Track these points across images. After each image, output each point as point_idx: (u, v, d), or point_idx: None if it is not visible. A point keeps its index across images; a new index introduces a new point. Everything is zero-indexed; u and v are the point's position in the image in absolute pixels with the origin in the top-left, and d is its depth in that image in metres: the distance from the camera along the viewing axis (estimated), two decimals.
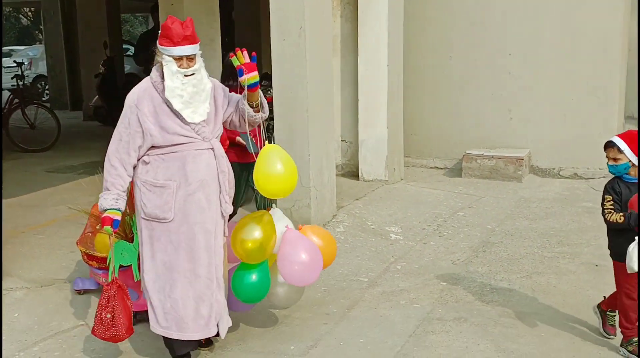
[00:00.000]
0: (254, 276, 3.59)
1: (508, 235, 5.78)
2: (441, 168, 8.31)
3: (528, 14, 7.79)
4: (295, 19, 5.27)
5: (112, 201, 3.36)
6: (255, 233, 3.49)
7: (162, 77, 3.36)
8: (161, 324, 3.48)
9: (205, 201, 3.42)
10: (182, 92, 3.32)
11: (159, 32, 3.37)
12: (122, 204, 3.39)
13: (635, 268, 3.37)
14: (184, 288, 3.43)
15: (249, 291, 3.61)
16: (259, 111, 3.54)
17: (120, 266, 3.90)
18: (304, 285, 3.82)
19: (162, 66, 3.36)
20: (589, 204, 6.67)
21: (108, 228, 3.37)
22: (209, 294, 3.47)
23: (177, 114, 3.36)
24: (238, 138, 4.67)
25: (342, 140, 7.72)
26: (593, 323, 4.00)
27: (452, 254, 5.34)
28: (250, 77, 3.41)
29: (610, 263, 4.96)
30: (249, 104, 3.50)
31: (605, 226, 3.68)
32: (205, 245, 3.44)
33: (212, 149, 3.45)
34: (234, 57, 3.44)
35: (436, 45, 8.21)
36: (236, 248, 3.54)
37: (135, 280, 3.90)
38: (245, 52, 3.45)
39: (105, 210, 3.37)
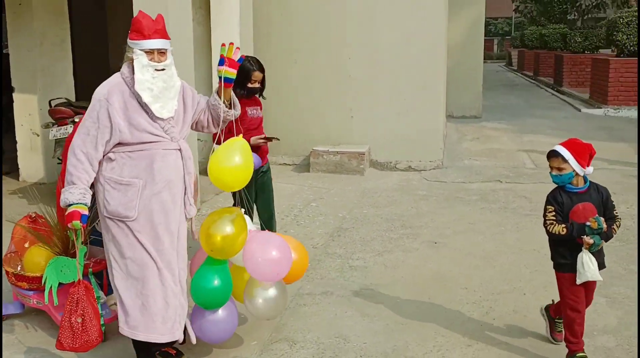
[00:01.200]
0: (215, 281, 3.42)
1: (358, 221, 6.40)
2: (290, 164, 8.84)
3: (366, 21, 8.55)
4: None
5: (79, 196, 3.26)
6: (227, 227, 3.35)
7: (133, 72, 3.32)
8: (129, 324, 3.36)
9: (170, 202, 3.38)
10: (151, 86, 3.30)
11: (130, 28, 3.33)
12: (88, 200, 3.30)
13: (589, 278, 3.33)
14: (154, 286, 3.34)
15: (209, 295, 3.43)
16: (231, 109, 3.57)
17: (59, 285, 3.68)
18: (273, 280, 3.58)
19: (132, 62, 3.33)
20: (424, 193, 7.51)
21: (77, 222, 3.24)
22: (174, 297, 3.39)
23: (146, 111, 3.33)
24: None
25: (197, 139, 7.97)
26: (438, 290, 4.67)
27: (312, 239, 5.84)
28: (228, 71, 3.45)
29: (451, 241, 5.75)
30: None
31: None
32: (169, 246, 3.38)
33: (180, 149, 3.42)
34: (224, 46, 3.45)
35: (281, 50, 8.72)
36: (208, 239, 3.37)
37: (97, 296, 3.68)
38: (238, 51, 3.48)
39: (71, 204, 3.25)
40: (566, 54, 21.03)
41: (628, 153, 9.75)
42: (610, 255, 5.29)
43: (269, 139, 4.53)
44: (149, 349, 3.48)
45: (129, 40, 3.34)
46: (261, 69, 4.50)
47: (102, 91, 3.34)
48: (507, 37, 52.57)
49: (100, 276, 3.95)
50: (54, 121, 6.38)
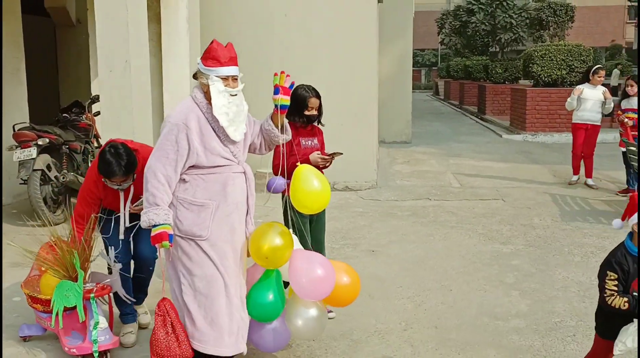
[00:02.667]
0: (270, 296, 3.61)
1: None
2: None
3: (308, 55, 9.25)
4: (120, 54, 6.03)
5: (164, 217, 3.37)
6: (275, 237, 3.52)
7: (207, 98, 3.49)
8: (198, 338, 3.48)
9: (238, 223, 3.54)
10: (227, 110, 3.44)
11: (202, 55, 3.52)
12: (171, 220, 3.41)
13: (629, 349, 3.02)
14: (222, 302, 3.49)
15: (261, 309, 3.62)
16: (282, 133, 3.74)
17: (65, 309, 3.79)
18: (316, 298, 3.72)
19: (206, 87, 3.48)
20: (360, 209, 8.21)
21: (166, 243, 3.35)
22: (237, 312, 3.55)
23: (218, 135, 3.48)
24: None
25: None
26: (377, 288, 5.33)
27: None
28: (284, 98, 3.61)
29: (387, 249, 6.42)
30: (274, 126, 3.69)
31: None
32: (234, 263, 3.55)
33: (244, 172, 3.59)
34: (276, 76, 3.61)
35: None
36: (259, 247, 3.52)
37: (81, 322, 3.82)
38: (288, 78, 3.65)
39: (157, 225, 3.36)
40: (488, 84, 22.40)
41: (542, 173, 10.75)
42: (524, 258, 6.13)
43: (330, 156, 4.51)
44: None
45: (204, 67, 3.48)
46: (317, 95, 4.53)
47: (180, 116, 3.46)
48: (434, 67, 54.66)
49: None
50: (17, 144, 6.76)
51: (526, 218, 7.68)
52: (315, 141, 4.63)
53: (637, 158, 8.32)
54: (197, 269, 3.49)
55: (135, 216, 4.07)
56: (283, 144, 3.81)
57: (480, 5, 23.44)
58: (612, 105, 9.39)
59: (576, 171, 9.67)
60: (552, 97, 15.56)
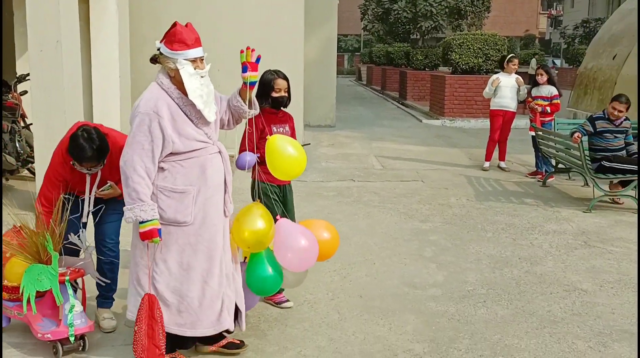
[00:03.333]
0: (269, 269, 3.74)
1: (234, 216, 7.23)
2: None
3: (235, 40, 9.41)
4: (51, 33, 6.05)
5: (152, 213, 3.35)
6: (259, 223, 3.60)
7: (174, 83, 3.44)
8: (177, 322, 3.52)
9: (218, 203, 3.54)
10: (201, 92, 3.39)
11: (165, 39, 3.42)
12: (157, 214, 3.39)
13: None
14: (199, 287, 3.51)
15: (262, 284, 3.78)
16: (250, 108, 3.70)
17: (37, 295, 3.65)
18: (302, 270, 3.90)
19: (173, 71, 3.42)
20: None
21: (157, 239, 3.36)
22: (221, 290, 3.58)
23: (191, 119, 3.44)
24: None
25: None
26: None
27: None
28: (253, 75, 3.56)
29: None
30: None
31: None
32: (220, 244, 3.56)
33: (220, 152, 3.60)
34: (243, 53, 3.54)
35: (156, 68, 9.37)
36: (240, 236, 3.63)
37: (59, 304, 3.69)
38: (254, 52, 3.58)
39: (144, 222, 3.34)
40: (409, 71, 23.06)
41: (459, 156, 11.33)
42: (441, 234, 6.57)
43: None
44: (209, 338, 3.70)
45: (169, 51, 3.40)
46: (284, 77, 4.46)
47: (149, 104, 3.38)
48: (356, 53, 55.37)
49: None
50: None
51: (443, 197, 8.16)
52: (287, 127, 4.52)
53: (544, 141, 8.96)
54: (176, 255, 3.48)
55: (98, 200, 4.05)
56: (252, 119, 3.85)
57: None
58: (525, 91, 9.99)
59: (488, 157, 10.23)
60: (469, 84, 16.25)
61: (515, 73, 10.20)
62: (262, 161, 3.96)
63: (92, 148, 3.78)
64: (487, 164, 10.20)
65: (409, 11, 24.23)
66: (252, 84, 3.60)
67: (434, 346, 4.05)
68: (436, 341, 4.13)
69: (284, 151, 3.76)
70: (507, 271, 5.44)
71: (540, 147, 9.26)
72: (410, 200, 8.02)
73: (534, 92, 9.66)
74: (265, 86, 4.39)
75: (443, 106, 16.56)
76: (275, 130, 4.39)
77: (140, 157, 3.35)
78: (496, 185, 9.01)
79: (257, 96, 4.05)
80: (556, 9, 65.73)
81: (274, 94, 4.40)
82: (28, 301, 3.61)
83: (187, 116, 3.44)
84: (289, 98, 4.48)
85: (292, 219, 4.62)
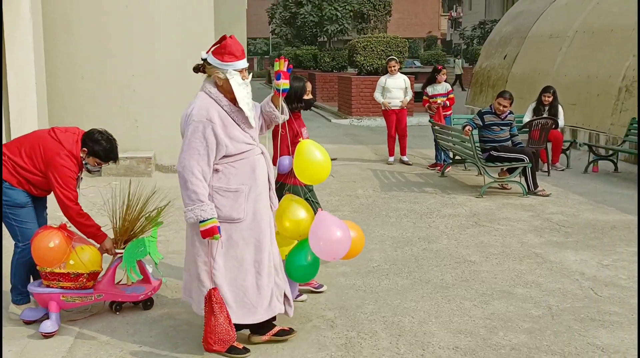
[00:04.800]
0: (308, 257, 4.07)
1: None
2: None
3: (147, 42, 9.73)
4: None
5: (211, 211, 3.61)
6: (300, 212, 4.01)
7: (222, 92, 3.72)
8: (235, 313, 3.79)
9: (266, 199, 3.85)
10: (248, 100, 3.71)
11: (214, 48, 3.70)
12: (216, 213, 3.66)
13: None
14: (253, 277, 3.80)
15: (301, 271, 4.13)
16: (282, 114, 3.99)
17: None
18: (334, 258, 4.07)
19: (221, 80, 3.69)
20: None
21: (217, 235, 3.63)
22: (271, 280, 3.87)
23: (238, 124, 3.73)
24: None
25: None
26: None
27: None
28: (285, 83, 3.84)
29: None
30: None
31: None
32: (269, 237, 3.85)
33: (263, 153, 3.88)
34: (277, 62, 3.83)
35: (69, 68, 9.58)
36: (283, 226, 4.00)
37: (157, 263, 4.58)
38: (286, 62, 3.86)
39: (205, 220, 3.59)
40: (318, 73, 23.80)
41: (366, 152, 12.09)
42: (352, 220, 7.18)
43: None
44: (260, 328, 3.98)
45: (220, 62, 3.68)
46: (309, 80, 4.92)
47: (202, 112, 3.65)
48: (265, 56, 55.89)
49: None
50: None
51: (352, 189, 8.83)
52: (306, 129, 4.94)
53: (441, 135, 9.80)
54: (231, 250, 3.77)
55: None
56: (284, 125, 4.14)
57: None
58: (411, 94, 10.83)
59: (391, 152, 11.01)
60: (374, 85, 17.02)
61: (402, 73, 11.04)
62: None
63: (116, 146, 4.43)
64: (391, 158, 10.97)
65: (315, 15, 25.00)
66: (285, 91, 3.88)
67: (343, 312, 4.65)
68: (345, 308, 4.72)
69: (314, 157, 4.04)
70: (408, 249, 6.13)
71: (438, 141, 10.11)
72: (321, 193, 8.62)
73: (430, 90, 10.50)
74: (298, 90, 4.71)
75: (350, 106, 17.33)
76: (305, 134, 4.83)
77: (197, 161, 3.61)
78: (400, 177, 9.77)
79: (291, 101, 4.55)
80: (456, 11, 68.52)
81: (305, 97, 4.78)
82: (131, 271, 4.40)
83: (234, 121, 3.73)
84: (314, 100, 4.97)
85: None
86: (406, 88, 10.76)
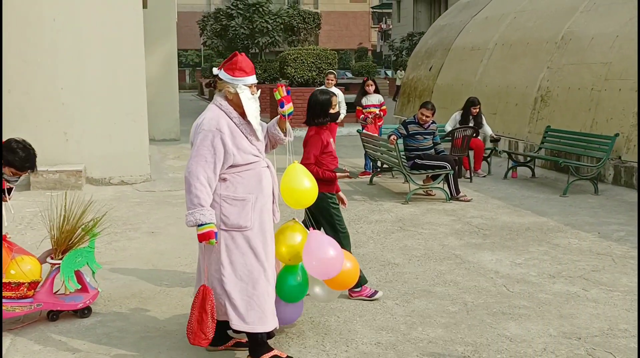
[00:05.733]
0: (297, 278, 4.16)
1: None
2: None
3: (75, 55, 9.72)
4: None
5: (210, 217, 3.71)
6: (298, 238, 4.10)
7: (232, 106, 3.88)
8: (246, 321, 3.86)
9: (270, 211, 3.98)
10: (256, 114, 3.87)
11: (225, 64, 3.87)
12: (215, 219, 3.75)
13: None
14: (263, 285, 3.88)
15: (292, 291, 4.17)
16: (286, 136, 4.16)
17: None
18: (326, 277, 4.15)
19: (231, 94, 3.86)
20: (137, 200, 9.00)
21: (212, 240, 3.70)
22: (273, 289, 4.00)
23: (246, 136, 3.87)
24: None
25: None
26: (158, 260, 6.23)
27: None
28: (290, 107, 4.02)
29: (165, 230, 7.30)
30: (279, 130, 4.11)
31: None
32: (271, 248, 3.98)
33: (268, 166, 4.02)
34: (276, 91, 3.97)
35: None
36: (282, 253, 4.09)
37: (95, 272, 4.77)
38: (284, 87, 4.00)
39: (203, 224, 3.69)
40: None
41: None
42: None
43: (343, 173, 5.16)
44: (262, 341, 3.99)
45: (230, 77, 3.87)
46: (335, 94, 5.11)
47: (212, 122, 3.82)
48: (198, 68, 55.61)
49: None
50: None
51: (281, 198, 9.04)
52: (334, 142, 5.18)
53: (369, 145, 10.15)
54: (240, 258, 3.86)
55: None
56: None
57: (238, 11, 24.91)
58: (344, 112, 10.94)
59: None
60: (305, 96, 17.31)
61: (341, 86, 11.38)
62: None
63: (35, 156, 4.51)
64: None
65: (245, 27, 25.18)
66: (290, 114, 4.06)
67: None
68: None
69: (301, 183, 4.16)
70: None
71: (367, 150, 10.47)
72: None
73: (364, 101, 10.90)
74: (324, 104, 4.98)
75: None
76: (332, 145, 5.12)
77: (203, 168, 3.75)
78: None
79: (318, 115, 4.95)
80: (386, 24, 69.88)
81: (331, 111, 5.03)
82: (69, 281, 4.57)
83: (242, 133, 3.88)
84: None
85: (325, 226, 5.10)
86: (339, 102, 10.94)
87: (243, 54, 3.98)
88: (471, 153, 10.81)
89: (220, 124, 3.80)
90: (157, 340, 4.41)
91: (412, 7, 49.39)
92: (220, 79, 3.91)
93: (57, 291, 4.78)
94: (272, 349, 4.02)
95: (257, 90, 3.98)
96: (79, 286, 4.73)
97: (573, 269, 5.88)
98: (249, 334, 3.96)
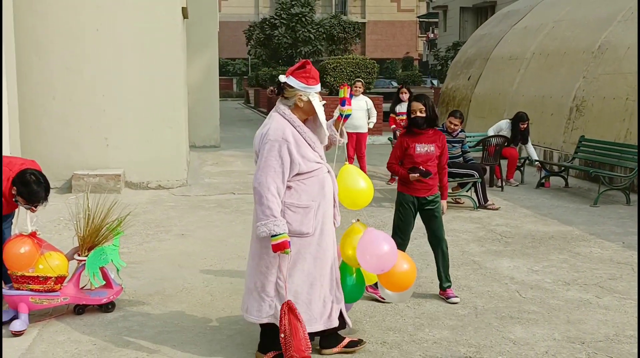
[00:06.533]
0: (354, 278, 4.33)
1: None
2: (52, 188, 10.00)
3: (115, 64, 10.12)
4: None
5: (283, 227, 3.79)
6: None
7: (296, 114, 3.95)
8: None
9: (331, 216, 4.06)
10: (324, 119, 3.98)
11: (295, 72, 3.94)
12: (287, 229, 3.84)
13: None
14: (317, 290, 3.99)
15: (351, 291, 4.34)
16: (342, 137, 4.24)
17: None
18: (380, 271, 4.24)
19: (303, 102, 3.92)
20: (172, 204, 9.30)
21: (288, 250, 3.79)
22: (332, 293, 4.08)
23: (309, 143, 3.94)
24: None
25: None
26: (185, 260, 6.50)
27: None
28: (349, 108, 4.12)
29: (194, 233, 7.55)
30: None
31: None
32: (332, 252, 4.07)
33: (329, 171, 4.08)
34: (341, 90, 4.12)
35: (40, 88, 9.94)
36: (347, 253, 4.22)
37: (119, 269, 5.09)
38: (348, 88, 4.17)
39: (277, 235, 3.77)
40: None
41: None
42: None
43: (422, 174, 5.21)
44: (329, 340, 4.17)
45: (304, 85, 3.92)
46: (418, 99, 5.15)
47: (279, 133, 3.87)
48: (244, 76, 56.35)
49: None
50: None
51: None
52: (433, 147, 5.24)
53: None
54: (299, 264, 3.96)
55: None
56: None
57: (282, 20, 25.32)
58: (375, 119, 11.10)
59: None
60: None
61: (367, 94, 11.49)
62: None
63: (46, 190, 4.65)
64: None
65: (288, 37, 25.57)
66: (347, 116, 4.15)
67: None
68: None
69: (355, 183, 4.31)
70: None
71: None
72: None
73: (398, 108, 11.05)
74: (408, 109, 5.23)
75: None
76: (419, 149, 5.22)
77: (272, 178, 3.83)
78: None
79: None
80: (433, 33, 69.67)
81: (412, 116, 5.19)
82: (94, 277, 4.87)
83: (306, 141, 3.95)
84: (429, 118, 5.17)
85: (440, 227, 5.39)
86: (368, 109, 10.94)
87: (310, 61, 4.10)
88: (504, 162, 10.81)
89: (286, 134, 3.85)
90: (173, 334, 4.64)
91: (459, 17, 49.19)
92: (291, 87, 3.94)
93: (83, 287, 5.06)
94: (343, 338, 4.24)
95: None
96: (104, 282, 5.00)
97: (590, 277, 5.91)
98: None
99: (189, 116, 12.75)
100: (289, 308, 3.84)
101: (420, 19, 68.06)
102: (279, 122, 3.91)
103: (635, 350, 4.31)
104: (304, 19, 25.22)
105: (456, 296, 5.30)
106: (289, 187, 3.91)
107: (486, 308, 5.12)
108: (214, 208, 9.06)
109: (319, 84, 4.02)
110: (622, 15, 11.89)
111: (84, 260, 4.95)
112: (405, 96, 11.05)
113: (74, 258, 4.99)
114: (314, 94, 3.93)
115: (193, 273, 6.11)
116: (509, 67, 15.03)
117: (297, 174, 3.90)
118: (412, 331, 4.66)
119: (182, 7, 11.05)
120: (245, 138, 19.11)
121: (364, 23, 25.11)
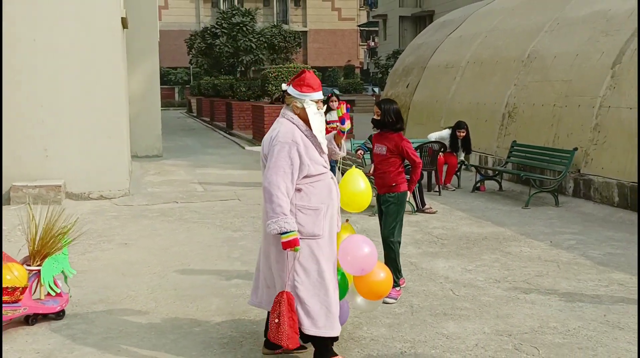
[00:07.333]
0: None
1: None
2: None
3: (54, 73, 10.05)
4: None
5: (294, 224, 3.89)
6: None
7: (300, 118, 4.08)
8: (318, 326, 4.01)
9: (336, 219, 4.19)
10: (321, 128, 4.08)
11: (294, 81, 4.10)
12: (296, 227, 3.94)
13: None
14: (332, 292, 4.07)
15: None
16: (340, 151, 4.41)
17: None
18: (361, 273, 4.32)
19: (298, 109, 4.06)
20: (114, 214, 9.29)
21: (297, 247, 3.89)
22: (337, 294, 4.17)
23: (316, 148, 4.08)
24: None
25: None
26: (128, 268, 6.55)
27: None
28: (348, 125, 4.32)
29: (137, 242, 7.58)
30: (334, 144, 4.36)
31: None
32: (336, 256, 4.19)
33: (332, 177, 4.21)
34: (339, 109, 4.29)
35: None
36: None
37: (70, 277, 5.14)
38: (345, 105, 4.33)
39: (287, 232, 3.86)
40: (234, 102, 24.36)
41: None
42: (249, 239, 7.70)
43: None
44: (330, 346, 4.17)
45: (298, 93, 4.08)
46: (377, 102, 5.56)
47: (288, 135, 4.01)
48: (187, 85, 56.01)
49: None
50: None
51: (256, 211, 9.39)
52: (384, 148, 5.57)
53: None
54: (313, 265, 4.03)
55: None
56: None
57: (223, 29, 25.38)
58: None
59: None
60: None
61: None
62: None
63: None
64: None
65: (230, 46, 25.64)
66: (347, 131, 4.35)
67: (230, 316, 5.18)
68: (232, 313, 5.26)
69: (355, 186, 4.60)
70: None
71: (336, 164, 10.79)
72: (227, 215, 9.15)
73: (328, 117, 11.21)
74: (398, 112, 5.56)
75: (263, 133, 17.93)
76: (376, 148, 5.63)
77: (282, 178, 3.94)
78: None
79: (393, 124, 5.48)
80: (374, 41, 70.68)
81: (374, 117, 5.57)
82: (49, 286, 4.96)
83: (313, 145, 4.10)
84: (382, 121, 5.48)
85: (386, 225, 5.72)
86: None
87: (311, 71, 4.25)
88: (445, 168, 11.18)
89: (295, 136, 3.99)
90: (117, 340, 4.72)
91: (398, 26, 50.12)
92: (289, 95, 4.13)
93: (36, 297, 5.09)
94: (336, 355, 4.20)
95: (324, 105, 4.23)
96: (59, 291, 5.05)
97: (518, 274, 6.24)
98: (317, 339, 4.11)
99: (130, 125, 12.72)
100: (287, 298, 3.96)
101: (361, 28, 68.97)
102: (288, 126, 4.04)
103: (558, 340, 4.62)
104: (245, 29, 25.35)
105: (393, 298, 5.53)
106: (299, 190, 4.03)
107: (422, 306, 5.37)
108: (157, 217, 9.10)
109: (317, 92, 4.13)
110: (548, 25, 12.46)
111: (37, 270, 4.97)
112: (334, 104, 11.22)
113: (26, 268, 5.00)
114: (308, 102, 4.05)
115: (136, 281, 6.17)
116: (446, 75, 15.50)
117: (306, 176, 4.03)
118: (351, 330, 4.86)
119: (122, 17, 11.05)
120: (187, 147, 19.10)
121: (306, 32, 25.38)
